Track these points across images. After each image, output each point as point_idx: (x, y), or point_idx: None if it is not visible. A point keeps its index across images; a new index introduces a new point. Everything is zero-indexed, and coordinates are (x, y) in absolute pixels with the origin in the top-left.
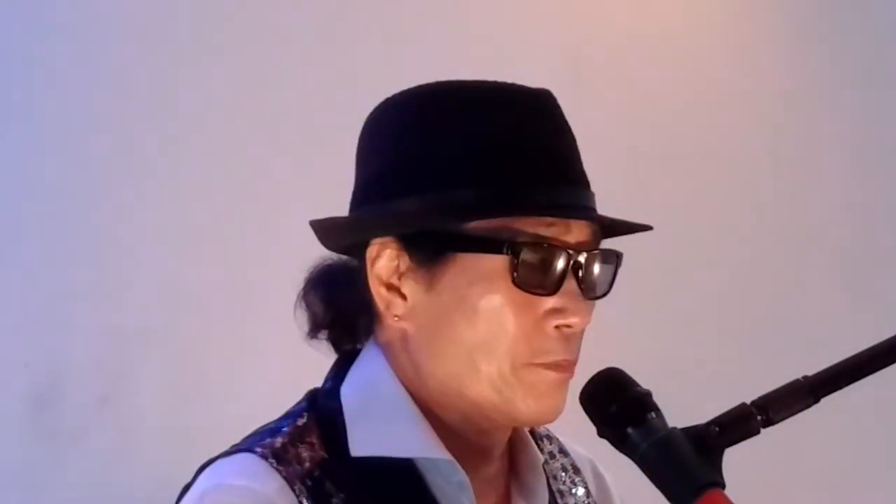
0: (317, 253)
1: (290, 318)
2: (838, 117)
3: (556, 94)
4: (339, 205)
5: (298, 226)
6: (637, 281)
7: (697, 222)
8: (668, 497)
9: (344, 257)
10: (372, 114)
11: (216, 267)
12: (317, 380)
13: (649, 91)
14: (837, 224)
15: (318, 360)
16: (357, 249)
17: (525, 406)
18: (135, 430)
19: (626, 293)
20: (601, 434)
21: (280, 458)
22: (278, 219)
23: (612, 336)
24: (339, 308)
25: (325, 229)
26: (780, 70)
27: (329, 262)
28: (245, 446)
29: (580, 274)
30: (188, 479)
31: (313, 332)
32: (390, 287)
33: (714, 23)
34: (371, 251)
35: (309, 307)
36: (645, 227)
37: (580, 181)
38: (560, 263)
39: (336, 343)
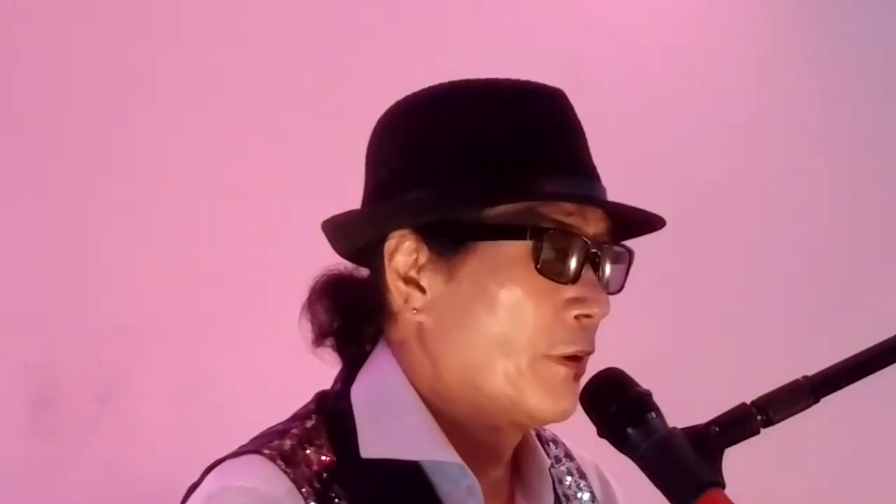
0: (319, 250)
1: (292, 318)
2: (840, 116)
3: None
4: (343, 203)
5: (300, 224)
6: (637, 281)
7: (698, 223)
8: (669, 497)
9: (349, 266)
10: (382, 116)
11: (216, 266)
12: (318, 380)
13: (649, 91)
14: (838, 224)
15: (319, 361)
16: (370, 249)
17: (539, 402)
18: (135, 430)
19: (626, 293)
20: (601, 434)
21: (288, 461)
22: (280, 217)
23: (612, 336)
24: (346, 316)
25: (339, 227)
26: (780, 68)
27: (332, 271)
28: (253, 448)
29: (598, 265)
30: (188, 479)
31: (318, 341)
32: (408, 280)
33: (716, 22)
34: (389, 245)
35: (314, 317)
36: (658, 222)
37: (594, 175)
38: (581, 251)
39: (341, 350)
